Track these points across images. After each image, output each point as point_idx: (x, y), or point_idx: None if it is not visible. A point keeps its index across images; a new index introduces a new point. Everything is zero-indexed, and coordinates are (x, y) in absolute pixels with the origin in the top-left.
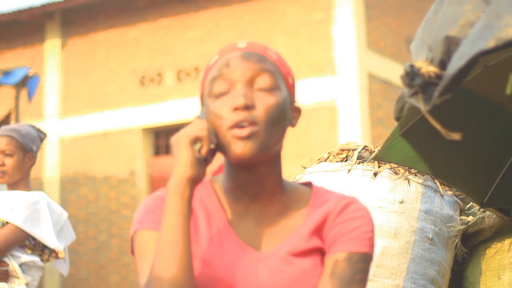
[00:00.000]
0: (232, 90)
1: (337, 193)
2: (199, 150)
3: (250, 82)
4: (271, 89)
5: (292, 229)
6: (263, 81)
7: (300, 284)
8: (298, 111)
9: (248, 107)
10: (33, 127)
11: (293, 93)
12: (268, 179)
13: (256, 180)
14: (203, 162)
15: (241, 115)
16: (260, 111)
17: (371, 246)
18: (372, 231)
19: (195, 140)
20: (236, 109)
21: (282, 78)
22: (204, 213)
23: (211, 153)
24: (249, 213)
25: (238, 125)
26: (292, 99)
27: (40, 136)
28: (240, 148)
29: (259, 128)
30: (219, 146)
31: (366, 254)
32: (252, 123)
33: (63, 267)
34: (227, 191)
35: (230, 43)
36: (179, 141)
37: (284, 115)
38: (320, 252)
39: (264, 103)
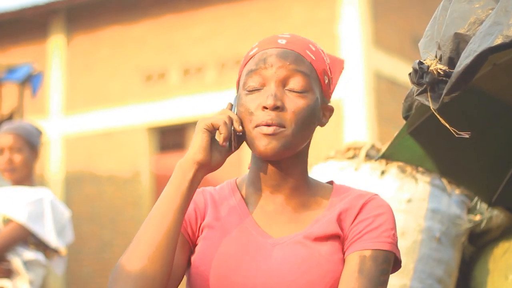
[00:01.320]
0: (265, 87)
1: (358, 189)
2: (219, 139)
3: (283, 82)
4: (303, 92)
5: (312, 220)
6: (296, 82)
7: (312, 265)
8: (330, 110)
9: (277, 108)
10: (30, 123)
11: (327, 92)
12: (290, 172)
13: (278, 172)
14: (220, 149)
15: (270, 115)
16: (289, 113)
17: (395, 244)
18: (394, 228)
19: (211, 127)
20: (265, 108)
21: (316, 79)
22: (226, 206)
23: (237, 142)
24: (269, 204)
25: (265, 124)
26: (325, 98)
27: (39, 132)
28: (263, 145)
29: (285, 130)
30: (244, 138)
31: (390, 253)
32: (279, 124)
33: (59, 266)
34: (250, 183)
35: (273, 36)
36: (197, 125)
37: (313, 117)
38: (339, 239)
39: (293, 105)
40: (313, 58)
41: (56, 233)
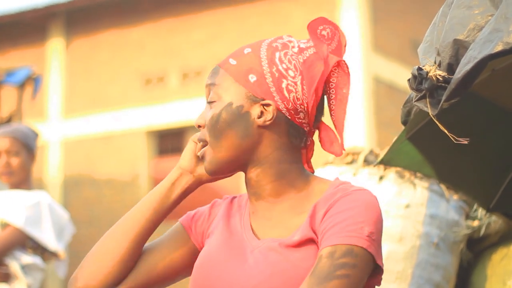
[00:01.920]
0: None
1: (347, 186)
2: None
3: (208, 98)
4: (211, 102)
5: (299, 225)
6: (210, 96)
7: (277, 271)
8: (267, 105)
9: (200, 126)
10: (26, 126)
11: (257, 90)
12: (262, 180)
13: (250, 182)
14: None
15: (200, 134)
16: (206, 127)
17: (362, 237)
18: (365, 222)
19: (197, 139)
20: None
21: (231, 84)
22: (237, 211)
23: None
24: (257, 211)
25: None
26: (257, 97)
27: (35, 135)
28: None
29: (208, 146)
30: None
31: (354, 246)
32: (203, 142)
33: (61, 269)
34: (247, 193)
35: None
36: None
37: (227, 123)
38: (315, 243)
39: (206, 119)
40: (234, 63)
41: (55, 236)
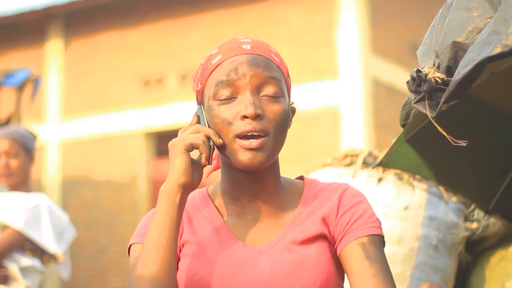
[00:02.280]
0: (239, 96)
1: (327, 182)
2: (200, 158)
3: (258, 89)
4: (278, 97)
5: (289, 219)
6: (270, 88)
7: (303, 270)
8: (293, 111)
9: (258, 116)
10: (25, 128)
11: (289, 93)
12: (268, 178)
13: (255, 181)
14: (197, 166)
15: (251, 124)
16: (268, 120)
17: (380, 227)
18: (374, 212)
19: (191, 147)
20: (245, 117)
21: (284, 82)
22: (200, 218)
23: (210, 155)
24: (247, 212)
25: (247, 135)
26: (289, 100)
27: (34, 137)
28: (248, 158)
29: (268, 138)
30: (221, 149)
31: (380, 236)
32: (263, 132)
33: (64, 271)
34: (224, 193)
35: (233, 41)
36: (174, 146)
37: (288, 120)
38: (325, 239)
39: (271, 111)
40: (278, 61)
41: (54, 238)
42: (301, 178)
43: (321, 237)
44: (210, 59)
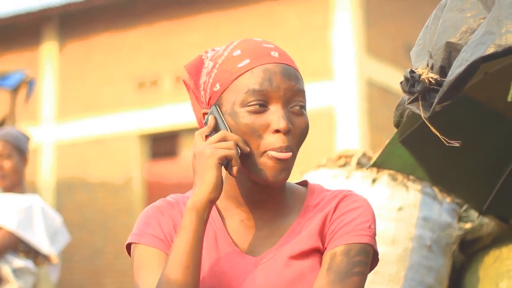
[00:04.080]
0: (271, 107)
1: (332, 190)
2: (229, 170)
3: (288, 102)
4: (303, 110)
5: (287, 229)
6: (298, 101)
7: (297, 286)
8: None
9: (288, 131)
10: (17, 130)
11: None
12: (275, 189)
13: (265, 189)
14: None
15: (283, 141)
16: (294, 136)
17: (371, 235)
18: (370, 220)
19: (224, 161)
20: (277, 131)
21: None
22: None
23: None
24: (249, 219)
25: (279, 150)
26: None
27: (27, 138)
28: (274, 175)
29: (292, 156)
30: (244, 157)
31: (366, 245)
32: (289, 149)
33: (53, 273)
34: (229, 197)
35: (256, 44)
36: (206, 159)
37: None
38: (320, 253)
39: (298, 126)
40: (298, 70)
41: (48, 239)
42: (305, 183)
43: (315, 251)
44: (233, 61)
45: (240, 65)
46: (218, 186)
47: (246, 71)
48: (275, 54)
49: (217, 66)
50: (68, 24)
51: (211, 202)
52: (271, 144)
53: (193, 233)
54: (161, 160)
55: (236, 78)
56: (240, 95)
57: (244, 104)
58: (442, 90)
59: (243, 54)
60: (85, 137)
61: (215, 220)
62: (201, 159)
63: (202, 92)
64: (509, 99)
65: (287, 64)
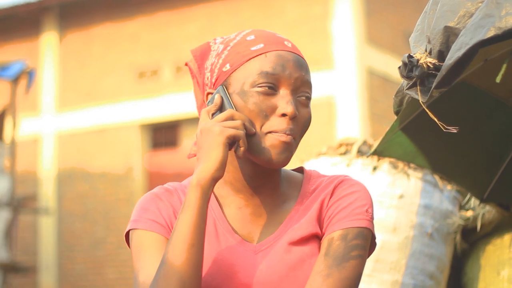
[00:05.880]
0: (280, 92)
1: (328, 175)
2: (235, 150)
3: (296, 91)
4: (308, 102)
5: (286, 216)
6: (306, 92)
7: (298, 271)
8: None
9: (294, 117)
10: None
11: None
12: (272, 174)
13: (262, 174)
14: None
15: (288, 124)
16: (299, 123)
17: (368, 219)
18: (367, 204)
19: (232, 140)
20: (283, 115)
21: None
22: None
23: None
24: (248, 205)
25: (282, 133)
26: None
27: None
28: (276, 153)
29: (295, 141)
30: (248, 138)
31: (363, 229)
32: (293, 135)
33: None
34: (226, 183)
35: (269, 33)
36: (215, 136)
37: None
38: (318, 239)
39: (302, 115)
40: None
41: None
42: (301, 169)
43: (314, 237)
44: (246, 44)
45: (253, 48)
46: (223, 165)
47: (260, 54)
48: (288, 44)
49: (228, 48)
50: (68, 14)
51: (215, 180)
52: (276, 125)
53: (198, 210)
54: (162, 150)
55: (248, 60)
56: (251, 76)
57: (254, 85)
58: (441, 74)
59: (257, 39)
60: (85, 127)
61: (214, 208)
62: (208, 136)
63: (208, 74)
64: (497, 80)
65: (299, 55)
